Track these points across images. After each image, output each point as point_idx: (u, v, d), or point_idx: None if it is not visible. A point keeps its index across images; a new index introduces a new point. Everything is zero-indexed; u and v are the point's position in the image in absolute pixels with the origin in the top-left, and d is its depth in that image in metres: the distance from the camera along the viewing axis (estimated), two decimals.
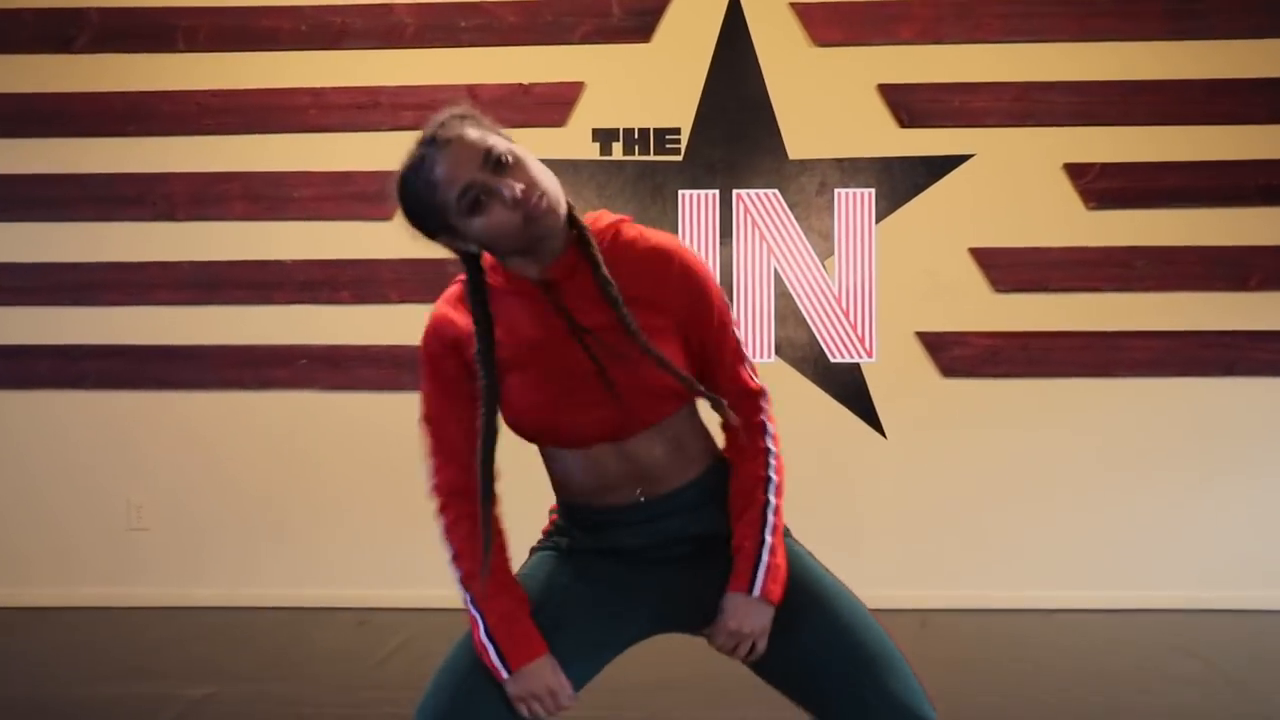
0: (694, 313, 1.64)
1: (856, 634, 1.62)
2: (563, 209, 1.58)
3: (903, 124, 4.23)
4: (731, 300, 4.23)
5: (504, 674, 1.58)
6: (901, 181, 4.23)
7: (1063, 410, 4.23)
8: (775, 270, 4.23)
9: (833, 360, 4.24)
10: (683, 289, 1.63)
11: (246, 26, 4.30)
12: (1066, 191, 4.23)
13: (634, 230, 1.66)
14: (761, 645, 1.65)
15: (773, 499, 1.71)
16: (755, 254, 4.23)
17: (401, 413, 4.16)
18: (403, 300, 4.23)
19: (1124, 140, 4.22)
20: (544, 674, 1.58)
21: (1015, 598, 4.17)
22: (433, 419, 1.70)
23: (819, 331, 4.23)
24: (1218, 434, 4.22)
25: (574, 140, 4.24)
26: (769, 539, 1.68)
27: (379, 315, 4.28)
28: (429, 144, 1.54)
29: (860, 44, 4.24)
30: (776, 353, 4.24)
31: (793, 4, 4.22)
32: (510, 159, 1.53)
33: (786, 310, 4.24)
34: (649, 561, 1.71)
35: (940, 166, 4.22)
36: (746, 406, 1.72)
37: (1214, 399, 4.21)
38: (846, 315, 4.23)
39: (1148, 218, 4.21)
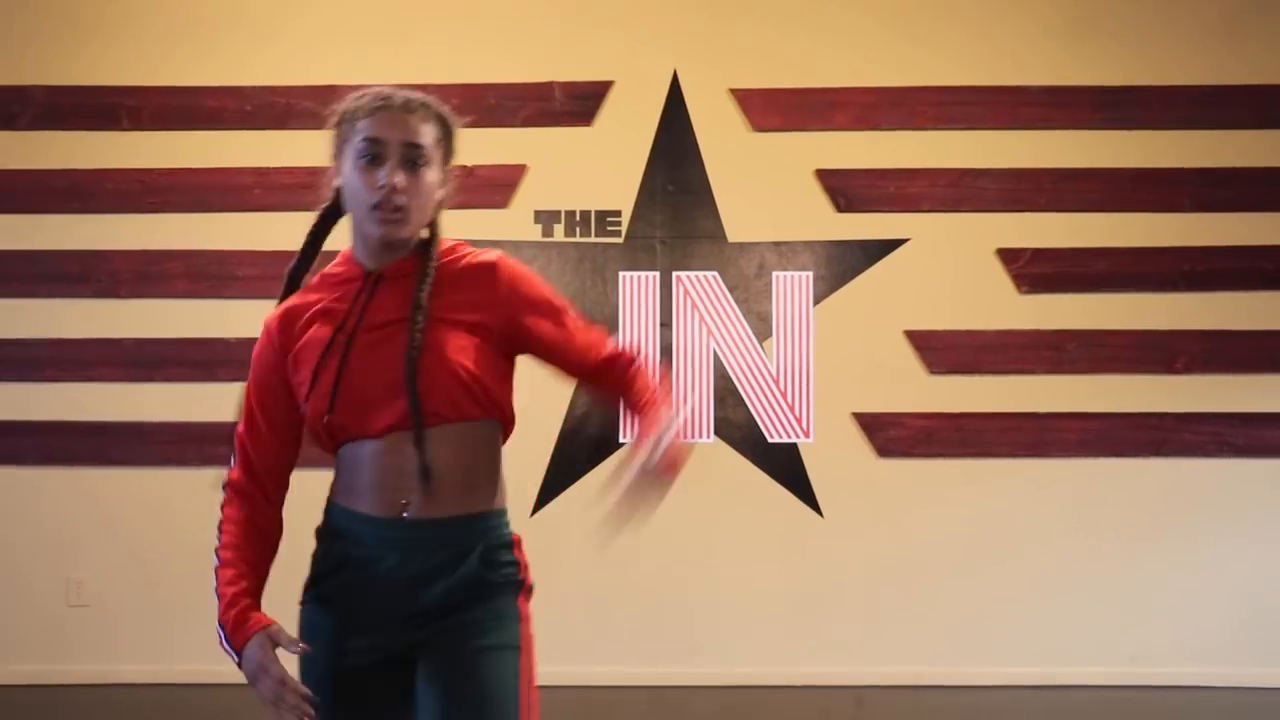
0: (518, 307, 1.73)
1: None
2: (408, 234, 1.70)
3: (840, 208, 4.39)
4: (672, 379, 4.34)
5: (235, 659, 1.67)
6: (839, 264, 4.37)
7: (996, 490, 4.40)
8: (715, 351, 4.34)
9: (770, 440, 4.36)
10: (504, 288, 1.73)
11: (191, 106, 4.42)
12: (999, 276, 4.41)
13: (469, 250, 1.77)
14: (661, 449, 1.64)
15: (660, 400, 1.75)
16: (695, 335, 4.34)
17: None
18: None
19: (1055, 226, 4.42)
20: (253, 655, 1.65)
21: (948, 674, 4.31)
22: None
23: (757, 412, 4.35)
24: (1147, 513, 4.41)
25: (516, 222, 4.36)
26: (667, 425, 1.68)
27: None
28: (399, 97, 1.72)
29: (798, 130, 4.42)
30: (715, 433, 4.36)
31: (732, 90, 4.38)
32: (418, 163, 1.68)
33: (725, 391, 4.36)
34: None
35: (877, 250, 4.37)
36: (617, 364, 1.80)
37: (1143, 479, 4.40)
38: (784, 396, 4.35)
39: (1078, 302, 4.40)
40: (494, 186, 4.35)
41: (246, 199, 4.40)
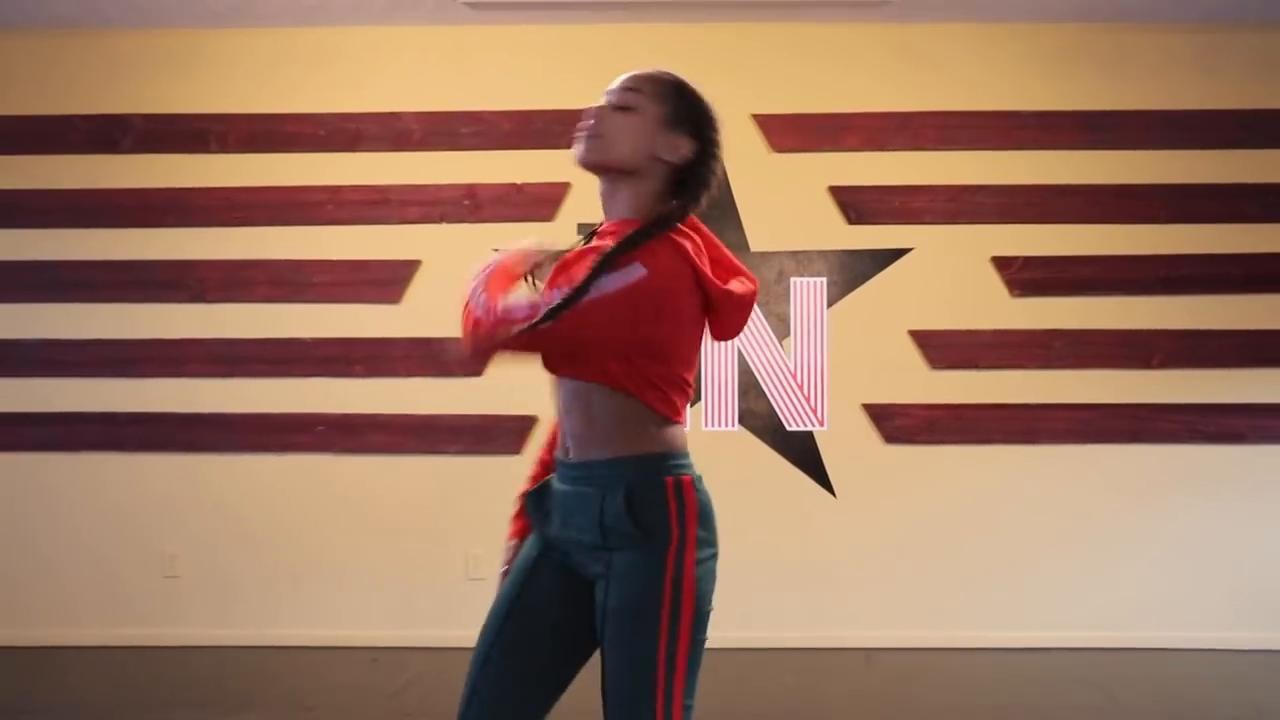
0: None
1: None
2: (593, 160, 1.86)
3: (851, 221, 4.80)
4: (701, 376, 4.78)
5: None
6: (850, 271, 4.80)
7: (991, 473, 4.80)
8: (739, 349, 4.78)
9: (789, 429, 4.80)
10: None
11: (272, 131, 4.84)
12: (994, 281, 4.80)
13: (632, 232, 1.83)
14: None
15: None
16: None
17: (407, 474, 4.78)
18: (409, 374, 4.79)
19: (1044, 236, 4.80)
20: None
21: (949, 637, 4.72)
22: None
23: (776, 403, 4.79)
24: (1125, 494, 4.79)
25: (561, 233, 4.75)
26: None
27: (388, 387, 4.82)
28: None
29: (813, 151, 4.80)
30: (740, 422, 4.79)
31: (754, 115, 4.78)
32: (614, 105, 1.86)
33: (748, 384, 4.80)
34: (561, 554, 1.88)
35: (884, 259, 4.79)
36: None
37: (1122, 463, 4.79)
38: (801, 389, 4.79)
39: (1064, 304, 4.79)
40: (541, 202, 4.77)
41: (320, 214, 4.82)
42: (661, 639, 1.73)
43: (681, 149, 1.86)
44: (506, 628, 1.88)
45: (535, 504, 1.95)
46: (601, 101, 1.89)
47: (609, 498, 1.77)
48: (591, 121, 1.85)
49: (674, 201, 1.85)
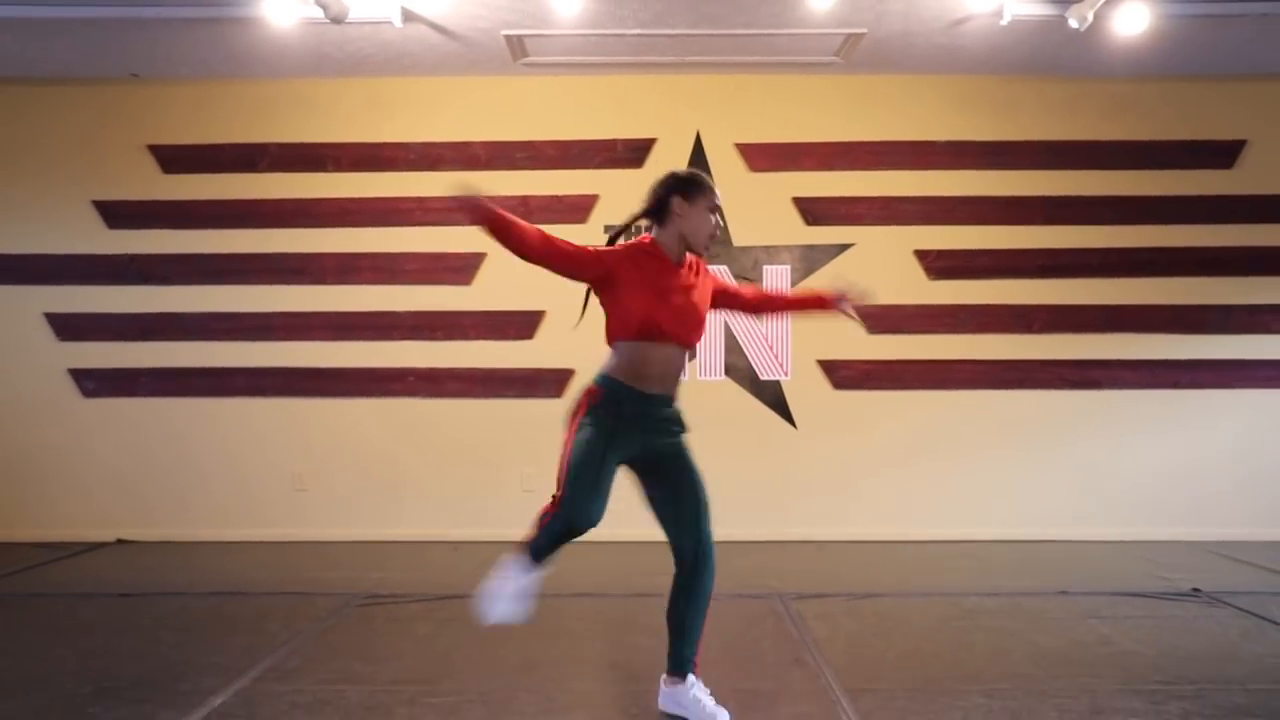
0: (718, 286, 3.21)
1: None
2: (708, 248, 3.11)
3: (809, 223, 6.27)
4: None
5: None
6: (808, 260, 6.29)
7: (913, 412, 6.26)
8: (725, 320, 6.30)
9: (762, 378, 6.31)
10: (711, 277, 3.18)
11: (374, 155, 6.30)
12: (915, 268, 6.26)
13: (696, 260, 3.14)
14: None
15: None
16: None
17: (475, 413, 6.36)
18: (479, 338, 6.30)
19: (954, 235, 6.24)
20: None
21: (885, 532, 6.16)
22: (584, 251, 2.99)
23: (753, 359, 6.31)
24: (1013, 427, 6.25)
25: (591, 232, 6.21)
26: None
27: (461, 348, 6.32)
28: (709, 188, 3.08)
29: (781, 170, 6.25)
30: (725, 373, 6.31)
31: (737, 144, 6.25)
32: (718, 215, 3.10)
33: (731, 345, 6.29)
34: (641, 430, 2.99)
35: (833, 251, 6.27)
36: (756, 290, 3.43)
37: (1010, 405, 6.25)
38: (771, 348, 6.31)
39: (968, 285, 6.24)
40: (576, 209, 6.23)
41: (410, 218, 6.26)
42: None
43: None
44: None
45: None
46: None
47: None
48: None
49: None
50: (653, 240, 3.06)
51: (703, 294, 3.10)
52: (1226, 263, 6.24)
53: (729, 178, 6.17)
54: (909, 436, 6.27)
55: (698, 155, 6.27)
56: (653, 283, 2.97)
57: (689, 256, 3.09)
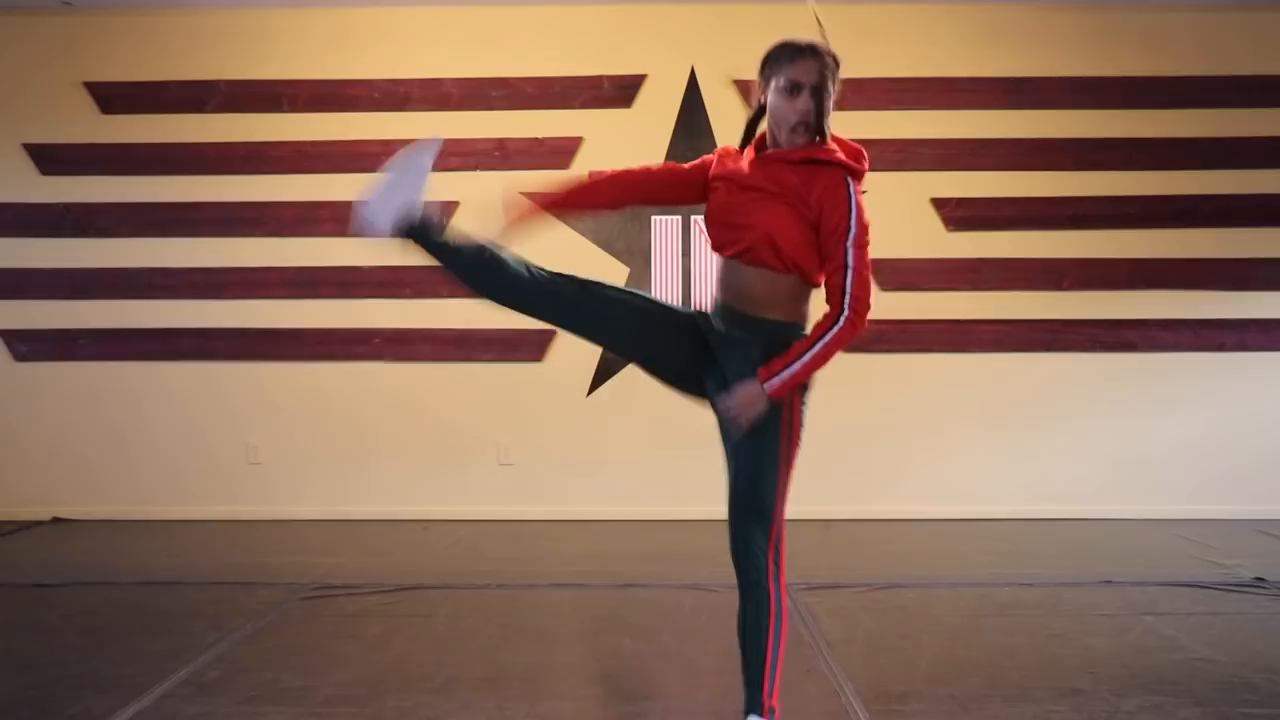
0: (822, 217, 2.50)
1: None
2: (805, 140, 2.44)
3: None
4: (690, 289, 5.71)
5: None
6: None
7: (930, 376, 5.75)
8: None
9: None
10: (824, 198, 2.49)
11: (334, 94, 5.76)
12: (933, 218, 5.74)
13: (831, 149, 2.55)
14: (744, 424, 2.37)
15: (824, 341, 2.42)
16: (706, 262, 5.70)
17: (448, 378, 5.79)
18: (451, 295, 5.70)
19: (975, 181, 5.70)
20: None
21: (896, 510, 5.68)
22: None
23: None
24: (1041, 393, 5.75)
25: None
26: (804, 360, 2.41)
27: (432, 306, 5.77)
28: (811, 46, 2.47)
29: None
30: None
31: (734, 80, 5.68)
32: (817, 93, 2.41)
33: None
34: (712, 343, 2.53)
35: None
36: (833, 299, 2.50)
37: (1037, 368, 5.74)
38: None
39: (991, 237, 5.72)
40: (559, 153, 5.69)
41: (375, 163, 5.45)
42: None
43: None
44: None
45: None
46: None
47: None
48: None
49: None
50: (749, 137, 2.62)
51: (775, 200, 2.45)
52: (1278, 212, 5.70)
53: (726, 118, 5.66)
54: (925, 404, 5.77)
55: (692, 92, 5.74)
56: (724, 180, 2.53)
57: (792, 155, 2.50)
